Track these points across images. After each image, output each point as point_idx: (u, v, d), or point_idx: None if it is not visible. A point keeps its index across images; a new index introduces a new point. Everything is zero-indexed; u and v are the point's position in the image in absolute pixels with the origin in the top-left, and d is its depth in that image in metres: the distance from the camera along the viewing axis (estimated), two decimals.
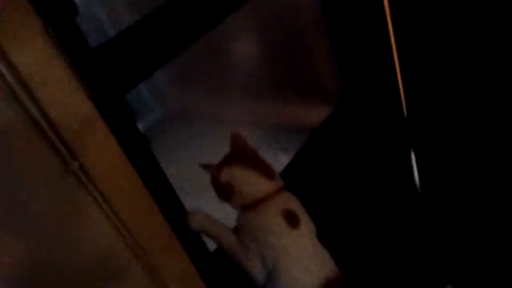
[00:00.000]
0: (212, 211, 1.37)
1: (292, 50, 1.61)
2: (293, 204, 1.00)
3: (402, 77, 1.53)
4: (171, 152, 1.81)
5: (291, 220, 0.96)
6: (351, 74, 1.51)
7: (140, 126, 2.18)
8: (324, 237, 1.03)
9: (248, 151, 1.04)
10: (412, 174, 1.74)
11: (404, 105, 1.60)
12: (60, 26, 0.66)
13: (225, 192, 1.01)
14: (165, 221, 0.79)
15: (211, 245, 1.03)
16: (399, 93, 1.58)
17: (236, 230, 1.01)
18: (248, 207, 1.00)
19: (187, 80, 2.00)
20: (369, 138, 1.56)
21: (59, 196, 0.66)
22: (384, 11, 1.40)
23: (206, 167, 1.02)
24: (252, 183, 0.99)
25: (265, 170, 1.00)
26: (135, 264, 0.76)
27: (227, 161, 1.02)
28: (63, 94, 0.66)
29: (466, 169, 1.58)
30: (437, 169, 1.67)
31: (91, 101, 0.70)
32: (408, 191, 1.75)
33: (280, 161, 1.35)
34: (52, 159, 0.64)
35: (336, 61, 1.51)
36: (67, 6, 0.67)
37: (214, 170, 1.01)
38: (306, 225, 1.00)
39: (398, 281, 1.45)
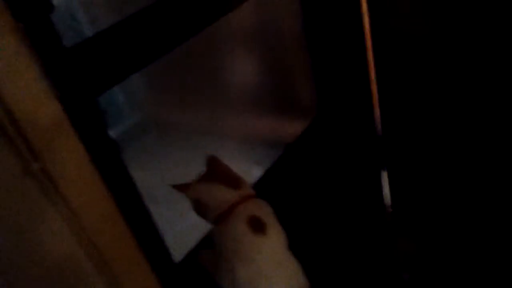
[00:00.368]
0: (182, 221, 1.35)
1: (271, 65, 1.62)
2: (261, 211, 1.00)
3: (378, 97, 1.56)
4: (145, 161, 1.78)
5: (256, 226, 0.96)
6: (328, 92, 1.52)
7: (114, 132, 2.14)
8: (295, 251, 1.02)
9: (219, 169, 1.04)
10: (384, 193, 1.76)
11: (378, 124, 1.62)
12: (32, 22, 0.63)
13: (198, 209, 1.02)
14: (129, 231, 0.76)
15: (176, 256, 1.01)
16: (374, 112, 1.60)
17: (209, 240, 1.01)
18: (218, 219, 1.00)
19: (164, 89, 1.98)
20: (343, 155, 1.57)
21: (16, 197, 0.63)
22: (363, 32, 1.42)
23: (177, 187, 1.02)
24: (216, 195, 0.99)
25: (230, 181, 1.01)
26: (95, 273, 0.73)
27: (195, 179, 1.03)
28: (29, 93, 0.63)
29: (438, 190, 1.60)
30: (409, 189, 1.70)
31: (60, 102, 0.67)
32: (378, 209, 1.76)
33: (253, 174, 1.35)
34: (11, 158, 0.61)
35: (314, 79, 1.52)
36: (41, 2, 0.65)
37: (183, 189, 1.01)
38: (275, 233, 0.99)
39: None
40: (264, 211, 1.01)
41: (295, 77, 1.61)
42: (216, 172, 1.04)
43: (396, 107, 1.55)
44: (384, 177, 1.73)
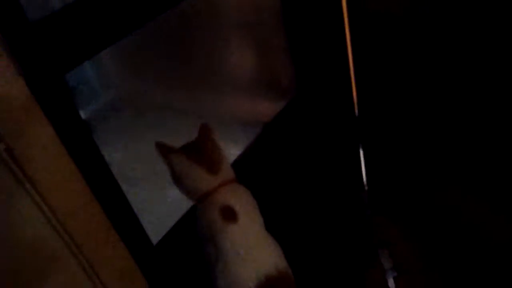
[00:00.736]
0: (157, 200, 1.33)
1: (251, 45, 1.59)
2: (234, 198, 1.00)
3: (355, 78, 1.56)
4: (118, 141, 1.74)
5: (228, 215, 0.97)
6: (307, 73, 1.51)
7: (86, 112, 2.07)
8: (273, 231, 1.02)
9: (207, 143, 1.02)
10: (360, 171, 1.78)
11: (355, 105, 1.63)
12: None
13: (173, 177, 1.01)
14: (103, 213, 0.74)
15: (154, 238, 1.00)
16: (352, 93, 1.61)
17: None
18: (198, 201, 1.00)
19: (139, 67, 1.92)
20: (320, 135, 1.57)
21: None
22: (342, 15, 1.41)
23: (160, 147, 1.00)
24: (195, 179, 1.00)
25: (210, 165, 1.00)
26: (68, 257, 0.71)
27: (181, 147, 1.02)
28: None
29: (413, 168, 1.63)
30: (384, 167, 1.72)
31: (25, 80, 0.64)
32: (355, 187, 1.79)
33: (230, 153, 1.34)
34: None
35: (292, 60, 1.51)
36: None
37: (164, 152, 1.00)
38: (247, 219, 0.99)
39: (342, 271, 1.48)
40: (238, 198, 1.01)
41: (275, 59, 1.59)
42: (203, 146, 1.02)
43: (373, 88, 1.55)
44: (361, 156, 1.75)
